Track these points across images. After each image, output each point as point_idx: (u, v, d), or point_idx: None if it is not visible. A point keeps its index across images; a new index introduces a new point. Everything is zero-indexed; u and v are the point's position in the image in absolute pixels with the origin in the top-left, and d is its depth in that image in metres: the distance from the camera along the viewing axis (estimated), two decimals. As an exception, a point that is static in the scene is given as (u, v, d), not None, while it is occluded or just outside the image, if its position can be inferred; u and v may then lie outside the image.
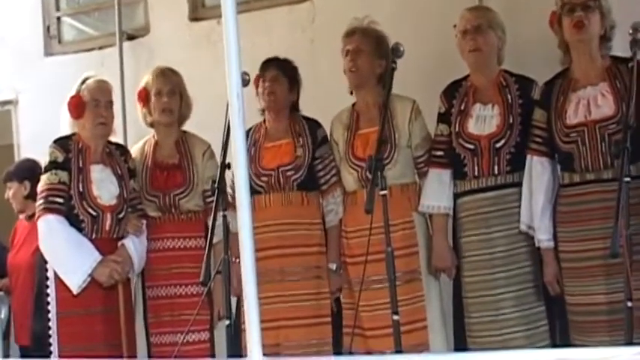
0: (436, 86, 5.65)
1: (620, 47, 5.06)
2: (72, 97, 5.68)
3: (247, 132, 5.51)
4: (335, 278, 5.65)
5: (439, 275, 5.58)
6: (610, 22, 5.16)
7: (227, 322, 5.13)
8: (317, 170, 5.70)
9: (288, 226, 5.65)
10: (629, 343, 4.54)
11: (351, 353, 5.40)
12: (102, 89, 5.71)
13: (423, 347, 5.42)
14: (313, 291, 5.64)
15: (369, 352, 5.46)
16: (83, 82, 5.72)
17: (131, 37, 7.80)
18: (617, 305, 4.81)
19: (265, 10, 7.05)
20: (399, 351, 4.88)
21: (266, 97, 5.73)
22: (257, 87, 5.72)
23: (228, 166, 4.93)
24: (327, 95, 5.83)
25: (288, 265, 5.62)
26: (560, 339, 5.21)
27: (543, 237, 5.21)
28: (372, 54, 5.55)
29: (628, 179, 4.62)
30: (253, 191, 5.33)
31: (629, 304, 4.60)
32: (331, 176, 5.71)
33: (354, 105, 5.73)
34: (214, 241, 5.13)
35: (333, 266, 5.64)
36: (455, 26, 5.49)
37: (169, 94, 5.83)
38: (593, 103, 5.13)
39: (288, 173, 5.68)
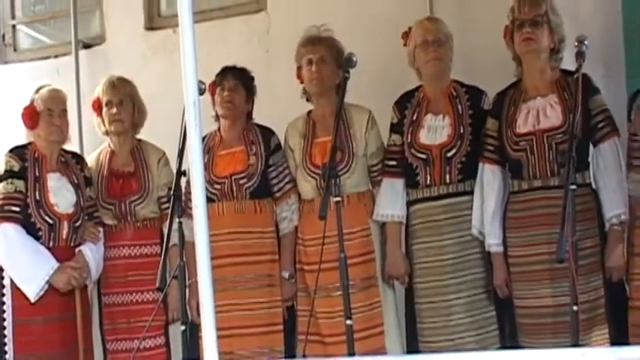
0: (386, 95, 5.73)
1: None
2: (25, 108, 5.70)
3: (202, 139, 5.43)
4: (287, 286, 5.68)
5: (392, 282, 5.61)
6: (559, 37, 5.26)
7: (182, 327, 5.18)
8: (270, 178, 5.73)
9: (241, 235, 5.66)
10: (575, 345, 4.63)
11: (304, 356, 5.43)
12: (55, 98, 5.73)
13: (380, 352, 5.45)
14: (266, 299, 5.65)
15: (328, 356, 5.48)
16: (37, 91, 5.74)
17: (87, 46, 7.77)
18: (562, 308, 4.91)
19: (221, 20, 7.07)
20: (351, 354, 4.92)
21: (224, 106, 5.75)
22: (213, 94, 5.76)
23: (184, 173, 4.95)
24: (281, 103, 5.86)
25: (241, 273, 5.63)
26: (509, 341, 5.28)
27: (493, 242, 5.30)
28: (334, 64, 5.60)
29: (574, 187, 4.70)
30: (207, 199, 5.37)
31: (575, 307, 4.69)
32: (285, 183, 5.74)
33: (309, 113, 5.77)
34: (169, 246, 5.13)
35: (286, 274, 5.67)
36: (404, 36, 5.57)
37: (119, 105, 5.87)
38: (542, 113, 5.23)
39: (241, 181, 5.70)
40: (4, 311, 5.58)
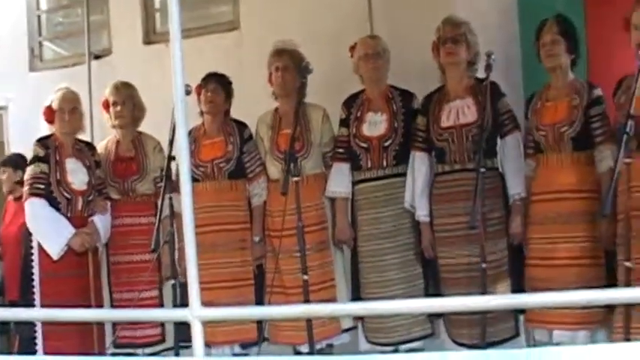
0: (332, 95, 5.74)
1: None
2: (45, 107, 5.71)
3: (189, 131, 5.48)
4: (257, 248, 5.66)
5: (341, 246, 5.63)
6: (475, 52, 5.28)
7: (172, 281, 5.25)
8: (244, 162, 5.71)
9: (220, 208, 5.65)
10: (483, 293, 4.72)
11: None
12: (66, 99, 5.71)
13: (331, 300, 5.46)
14: (239, 259, 5.64)
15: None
16: (55, 93, 5.74)
17: (97, 57, 7.74)
18: (475, 266, 4.93)
19: (203, 37, 7.05)
20: (307, 301, 4.97)
21: (207, 104, 5.74)
22: (199, 95, 5.73)
23: (174, 158, 4.97)
24: (251, 103, 5.85)
25: (219, 239, 5.61)
26: (432, 293, 5.30)
27: (421, 213, 5.32)
28: (295, 71, 5.56)
29: (483, 170, 4.80)
30: (192, 179, 5.34)
31: (484, 265, 4.79)
32: (256, 167, 5.72)
33: (276, 109, 5.75)
34: (162, 217, 5.15)
35: (257, 239, 5.65)
36: (351, 49, 5.57)
37: (122, 104, 5.85)
38: (461, 112, 5.26)
39: (221, 165, 5.69)
40: (32, 267, 5.57)
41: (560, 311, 4.80)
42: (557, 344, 4.82)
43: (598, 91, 5.01)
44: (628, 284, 4.36)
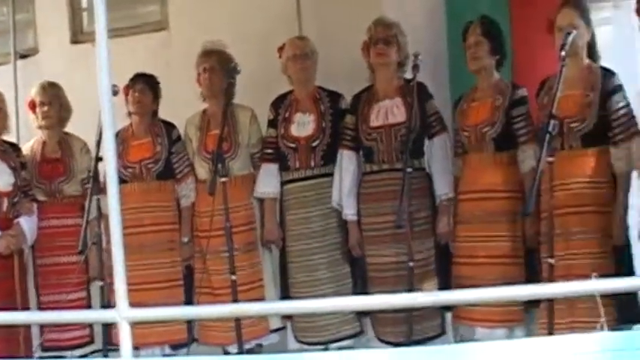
0: (260, 95, 5.76)
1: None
2: None
3: (117, 132, 5.44)
4: (186, 249, 5.65)
5: (270, 246, 5.64)
6: (405, 53, 5.32)
7: (100, 283, 5.22)
8: (173, 162, 5.70)
9: (148, 209, 5.63)
10: (410, 291, 4.77)
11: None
12: None
13: (260, 300, 5.45)
14: (168, 260, 5.62)
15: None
16: None
17: (23, 56, 7.63)
18: (402, 265, 4.99)
19: (131, 37, 7.00)
20: (235, 301, 4.98)
21: (135, 105, 5.71)
22: (127, 95, 5.69)
23: (101, 159, 4.85)
24: (179, 104, 5.85)
25: (149, 239, 5.59)
26: (360, 291, 5.32)
27: (349, 212, 5.35)
28: (223, 72, 5.55)
29: (410, 170, 4.86)
30: (121, 180, 5.31)
31: (411, 264, 4.87)
32: (184, 167, 5.71)
33: (205, 111, 5.74)
34: (90, 218, 5.14)
35: (185, 239, 5.64)
36: (279, 50, 5.58)
37: (48, 104, 5.79)
38: (390, 111, 5.31)
39: (149, 166, 5.67)
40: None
41: (484, 309, 4.88)
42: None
43: (522, 92, 5.11)
44: (551, 281, 4.45)
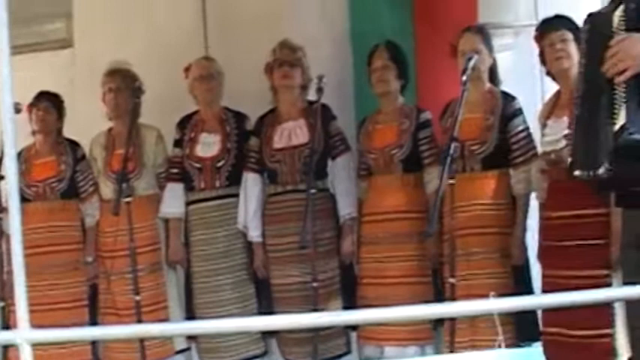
0: (170, 117, 5.74)
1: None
2: None
3: (20, 151, 5.43)
4: (90, 269, 5.59)
5: (175, 267, 5.62)
6: (308, 77, 5.38)
7: (1, 303, 5.14)
8: (77, 181, 5.64)
9: (52, 228, 5.55)
10: (314, 311, 4.80)
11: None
12: None
13: (164, 321, 5.39)
14: (72, 280, 5.55)
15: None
16: None
17: None
18: (307, 285, 5.03)
19: (35, 53, 6.90)
20: (139, 321, 4.95)
21: (38, 123, 5.64)
22: (30, 113, 5.62)
23: (2, 177, 4.79)
24: (83, 123, 5.80)
25: (52, 259, 5.50)
26: (265, 312, 5.32)
27: (254, 234, 5.36)
28: (128, 91, 5.51)
29: (314, 191, 4.91)
30: (24, 199, 5.26)
31: (315, 284, 4.91)
32: (89, 186, 5.65)
33: (110, 130, 5.70)
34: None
35: (89, 259, 5.58)
36: (185, 71, 5.59)
37: None
38: (293, 133, 5.35)
39: (53, 185, 5.59)
40: None
41: (391, 327, 4.95)
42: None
43: (426, 115, 5.22)
44: (453, 300, 4.53)
